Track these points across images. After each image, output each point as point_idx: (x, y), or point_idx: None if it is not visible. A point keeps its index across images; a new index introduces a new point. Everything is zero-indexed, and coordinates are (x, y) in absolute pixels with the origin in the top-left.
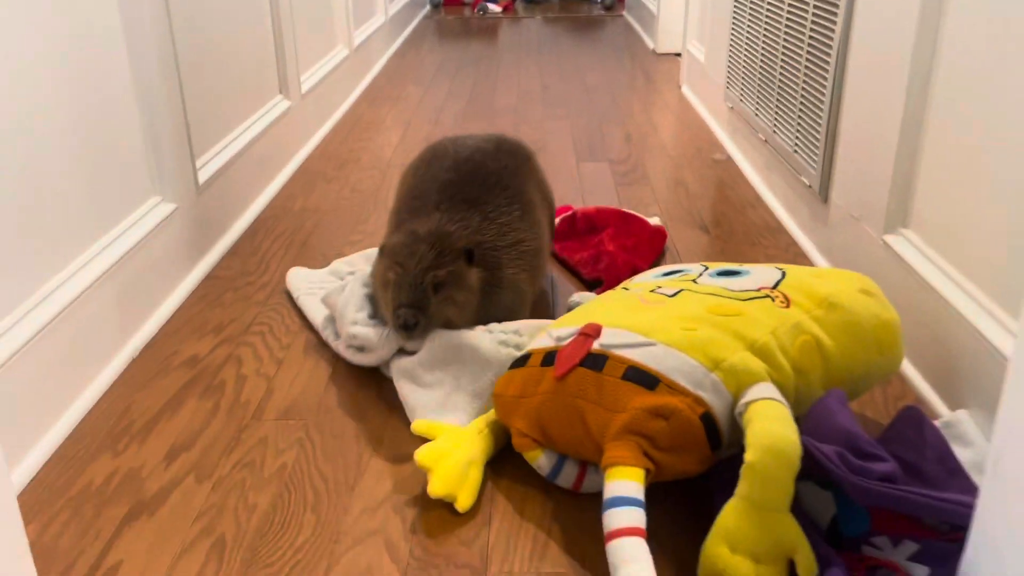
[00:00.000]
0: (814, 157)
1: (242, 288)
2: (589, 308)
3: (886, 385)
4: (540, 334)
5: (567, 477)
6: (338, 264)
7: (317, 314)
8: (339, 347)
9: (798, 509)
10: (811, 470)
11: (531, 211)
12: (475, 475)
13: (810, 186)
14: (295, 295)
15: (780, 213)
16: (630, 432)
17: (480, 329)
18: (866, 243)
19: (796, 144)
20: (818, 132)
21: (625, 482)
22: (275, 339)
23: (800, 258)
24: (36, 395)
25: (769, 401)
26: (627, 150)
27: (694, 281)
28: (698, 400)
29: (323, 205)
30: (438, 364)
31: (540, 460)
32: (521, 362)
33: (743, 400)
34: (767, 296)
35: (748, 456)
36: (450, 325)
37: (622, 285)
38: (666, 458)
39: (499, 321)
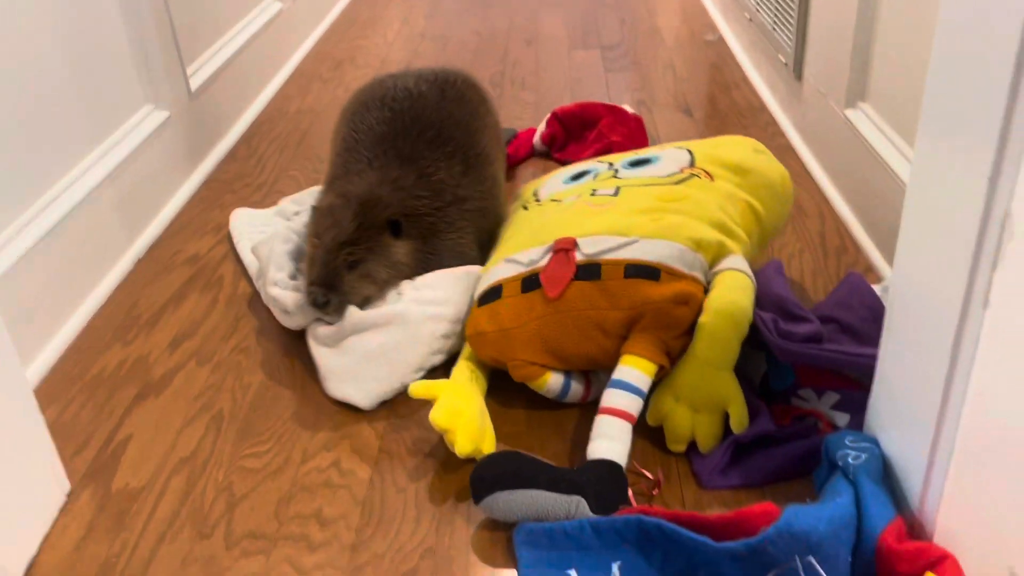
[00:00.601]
0: (789, 35)
1: (240, 190)
2: (533, 227)
3: (841, 254)
4: (493, 266)
5: (575, 394)
6: (285, 204)
7: (252, 264)
8: (267, 302)
9: (735, 369)
10: (749, 334)
11: (479, 165)
12: (488, 423)
13: (786, 64)
14: (236, 240)
15: (763, 92)
16: (658, 327)
17: (408, 299)
18: (831, 118)
19: (775, 22)
20: (792, 10)
21: (635, 371)
22: None
23: (778, 136)
24: (50, 294)
25: (733, 271)
26: (620, 35)
27: (615, 176)
28: (695, 281)
29: (319, 106)
30: (357, 331)
31: (549, 384)
32: (491, 296)
33: (713, 271)
34: (693, 176)
35: (702, 318)
36: (369, 302)
37: (530, 197)
38: (680, 343)
39: None
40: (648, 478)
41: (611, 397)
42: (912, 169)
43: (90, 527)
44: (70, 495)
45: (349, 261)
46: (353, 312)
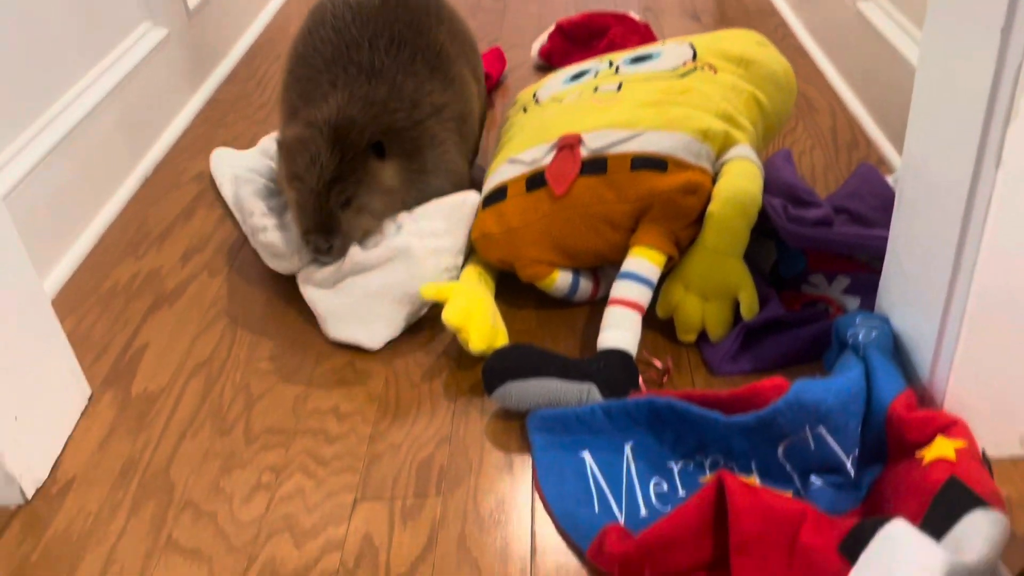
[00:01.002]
0: None
1: (243, 109)
2: (535, 127)
3: (853, 149)
4: (496, 167)
5: (584, 291)
6: (267, 142)
7: (237, 208)
8: (256, 248)
9: (744, 258)
10: (758, 222)
11: (445, 65)
12: (500, 320)
13: None
14: (218, 182)
15: None
16: (666, 218)
17: (407, 233)
18: (842, 13)
19: None
20: None
21: (645, 262)
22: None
23: (788, 37)
24: (61, 210)
25: (741, 160)
26: None
27: (616, 73)
28: (703, 171)
29: None
30: (356, 272)
31: (557, 283)
32: (496, 197)
33: (720, 161)
34: (696, 69)
35: (711, 207)
36: (369, 235)
37: (529, 100)
38: (689, 233)
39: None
40: (658, 367)
41: (621, 288)
42: (924, 28)
43: (112, 428)
44: (91, 399)
45: (342, 200)
46: (353, 252)
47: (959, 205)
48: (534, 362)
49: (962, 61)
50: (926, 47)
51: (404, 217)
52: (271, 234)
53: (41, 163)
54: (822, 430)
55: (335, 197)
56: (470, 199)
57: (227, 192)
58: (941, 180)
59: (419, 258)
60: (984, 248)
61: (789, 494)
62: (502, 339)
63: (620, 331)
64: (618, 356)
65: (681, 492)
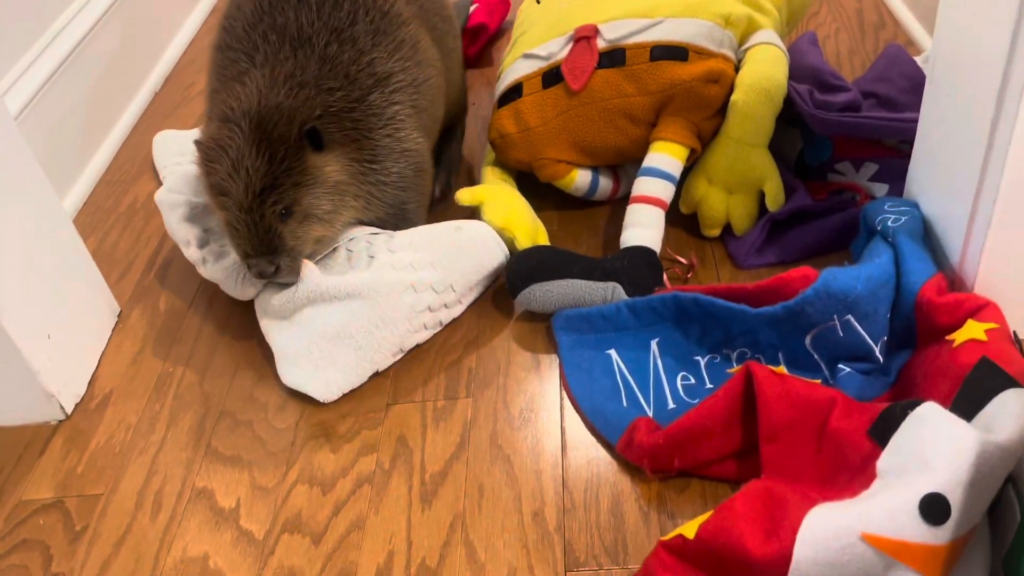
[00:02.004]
0: None
1: None
2: (549, 19)
3: (880, 30)
4: (510, 64)
5: (604, 190)
6: None
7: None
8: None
9: (769, 147)
10: (783, 110)
11: (393, 28)
12: (537, 217)
13: None
14: (160, 173)
15: None
16: (688, 110)
17: (379, 265)
18: None
19: None
20: None
21: (667, 156)
22: None
23: None
24: (71, 130)
25: (765, 45)
26: None
27: None
28: (725, 59)
29: None
30: (312, 301)
31: (577, 182)
32: (512, 95)
33: (743, 47)
34: None
35: (734, 96)
36: (324, 243)
37: None
38: (712, 124)
39: (394, 207)
40: (682, 263)
41: (642, 185)
42: None
43: (144, 343)
44: (120, 316)
45: (279, 210)
46: (310, 273)
47: (994, 81)
48: (557, 263)
49: None
50: None
51: (380, 246)
52: (210, 269)
53: (48, 82)
54: (851, 318)
55: (270, 209)
56: (467, 228)
57: (160, 195)
58: (976, 55)
59: (389, 297)
60: (1020, 125)
61: (818, 383)
62: (543, 236)
63: (643, 229)
64: (642, 253)
65: (708, 385)
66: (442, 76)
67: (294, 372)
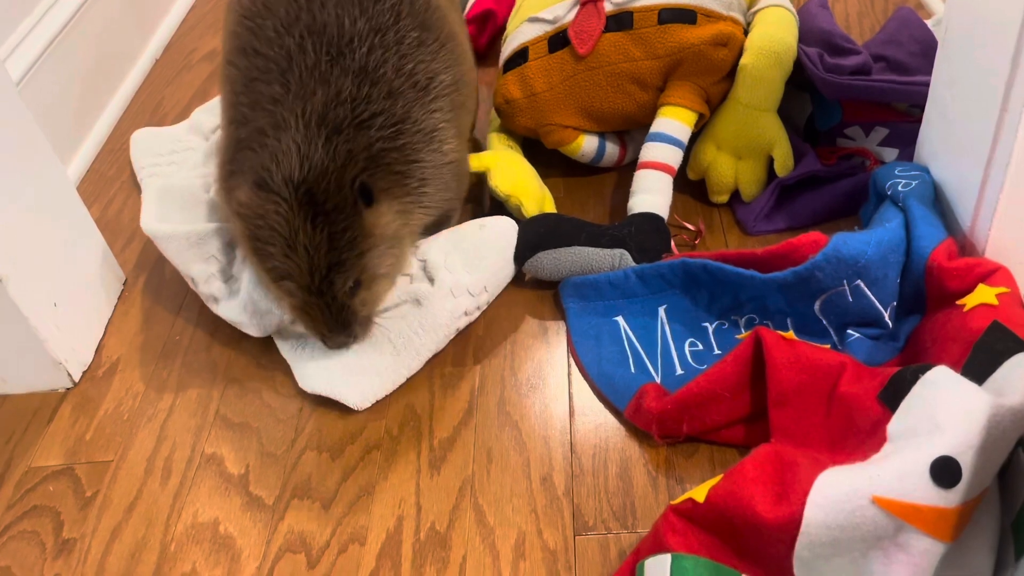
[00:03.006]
0: None
1: None
2: None
3: None
4: (515, 27)
5: (611, 156)
6: (199, 115)
7: (158, 229)
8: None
9: (778, 112)
10: (792, 74)
11: (438, 24)
12: (543, 185)
13: None
14: (139, 177)
15: None
16: (696, 74)
17: (432, 287)
18: None
19: None
20: None
21: (674, 122)
22: None
23: None
24: (73, 97)
25: (775, 8)
26: None
27: None
28: (734, 21)
29: None
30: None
31: (583, 148)
32: (517, 60)
33: (752, 10)
34: None
35: (743, 60)
36: (386, 293)
37: None
38: (720, 89)
39: (439, 218)
40: (690, 229)
41: (650, 150)
42: None
43: (149, 311)
44: (126, 284)
45: (348, 288)
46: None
47: (1009, 42)
48: (564, 230)
49: None
50: None
51: (437, 264)
52: (224, 307)
53: (50, 47)
54: (860, 283)
55: (340, 289)
56: (491, 225)
57: (147, 195)
58: (991, 17)
59: (430, 301)
60: None
61: (827, 347)
62: (550, 203)
63: (651, 195)
64: (650, 220)
65: (716, 351)
66: (475, 68)
67: (322, 377)
